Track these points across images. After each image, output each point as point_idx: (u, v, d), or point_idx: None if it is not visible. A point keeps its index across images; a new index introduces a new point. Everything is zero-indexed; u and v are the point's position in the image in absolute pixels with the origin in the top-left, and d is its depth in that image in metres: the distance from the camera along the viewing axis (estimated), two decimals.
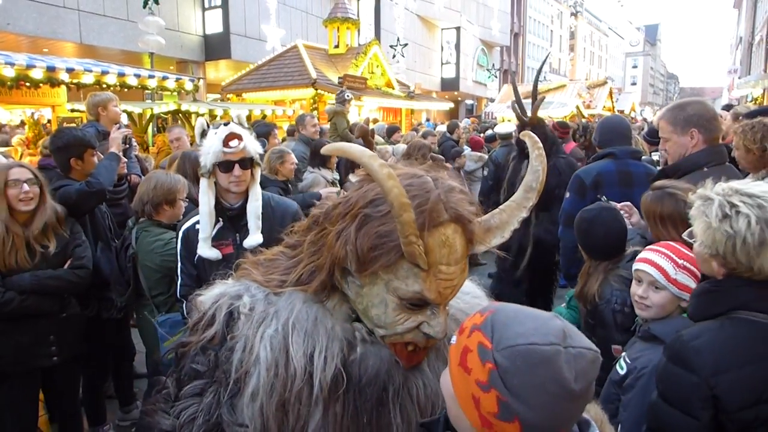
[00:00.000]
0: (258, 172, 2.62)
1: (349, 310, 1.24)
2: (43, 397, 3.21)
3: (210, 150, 2.47)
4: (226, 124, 2.52)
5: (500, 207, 1.27)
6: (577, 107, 21.03)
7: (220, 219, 2.61)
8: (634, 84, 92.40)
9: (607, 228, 2.56)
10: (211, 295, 1.35)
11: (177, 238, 2.69)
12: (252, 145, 2.53)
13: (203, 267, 2.61)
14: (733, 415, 1.55)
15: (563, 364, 0.87)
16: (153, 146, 9.18)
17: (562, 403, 0.88)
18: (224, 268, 2.47)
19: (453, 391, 0.97)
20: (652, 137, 6.32)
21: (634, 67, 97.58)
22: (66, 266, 2.91)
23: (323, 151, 1.19)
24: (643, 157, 4.94)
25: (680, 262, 1.96)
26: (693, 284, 1.92)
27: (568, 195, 3.67)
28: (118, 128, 3.88)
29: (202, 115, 10.36)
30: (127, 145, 4.08)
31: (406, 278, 1.10)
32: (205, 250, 2.54)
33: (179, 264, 2.68)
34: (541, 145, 1.31)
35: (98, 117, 4.41)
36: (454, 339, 1.02)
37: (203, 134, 2.55)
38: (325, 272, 1.18)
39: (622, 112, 27.24)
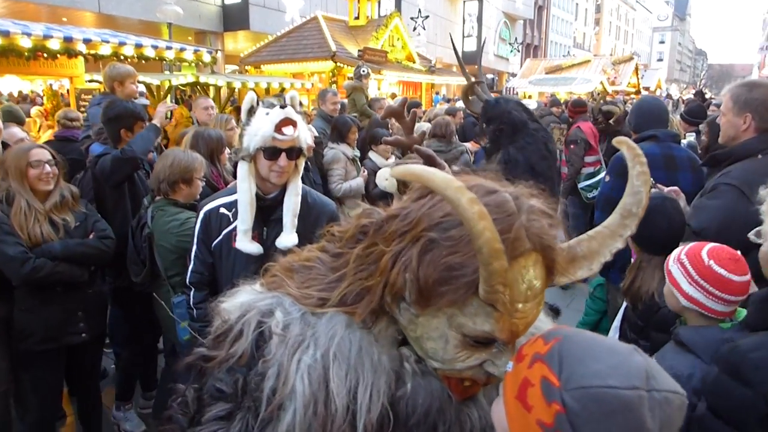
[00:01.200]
0: (302, 164, 2.39)
1: (395, 332, 1.08)
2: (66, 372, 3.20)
3: (258, 132, 2.20)
4: (282, 106, 2.25)
5: (590, 233, 1.07)
6: (602, 83, 20.51)
7: None
8: (660, 60, 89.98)
9: (670, 219, 2.39)
10: (237, 305, 1.18)
11: (197, 218, 2.48)
12: (304, 134, 2.31)
13: (221, 256, 2.43)
14: None
15: (646, 412, 0.74)
16: (170, 119, 9.11)
17: None
18: (244, 262, 2.39)
19: (507, 426, 0.85)
20: (693, 116, 6.09)
21: (662, 42, 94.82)
22: (91, 237, 2.97)
23: (394, 174, 0.93)
24: (684, 141, 4.76)
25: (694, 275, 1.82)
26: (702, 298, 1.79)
27: (608, 178, 3.52)
28: (164, 102, 3.97)
29: (221, 87, 10.28)
30: (169, 121, 4.10)
31: (475, 316, 0.94)
32: (246, 243, 2.31)
33: (194, 246, 2.47)
34: (644, 159, 1.06)
35: (113, 90, 4.34)
36: (510, 366, 0.89)
37: (251, 112, 2.27)
38: (377, 298, 1.01)
39: (647, 89, 26.58)
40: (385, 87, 16.59)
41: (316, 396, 1.02)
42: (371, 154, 5.29)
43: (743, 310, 1.83)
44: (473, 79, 4.21)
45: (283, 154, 2.24)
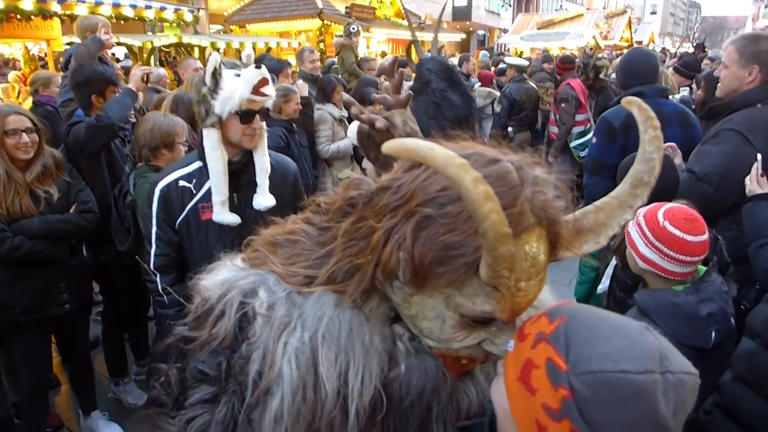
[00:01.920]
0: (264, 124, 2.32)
1: (388, 309, 1.02)
2: (56, 340, 3.24)
3: (234, 95, 2.10)
4: (258, 66, 2.16)
5: (597, 204, 0.98)
6: (594, 38, 20.19)
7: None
8: (653, 13, 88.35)
9: (666, 178, 2.35)
10: (218, 283, 1.11)
11: (151, 197, 2.32)
12: (273, 92, 2.24)
13: (189, 233, 2.31)
14: None
15: (660, 396, 0.70)
16: (147, 83, 8.87)
17: None
18: (218, 234, 2.33)
19: (509, 408, 0.81)
20: (688, 69, 5.97)
21: None
22: (72, 211, 2.89)
23: (385, 150, 0.81)
24: (676, 96, 4.67)
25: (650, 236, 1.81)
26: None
27: (594, 140, 3.47)
28: (139, 65, 3.75)
29: (205, 48, 10.00)
30: (146, 84, 3.92)
31: (474, 296, 0.87)
32: (225, 214, 2.23)
33: (154, 229, 2.32)
34: (657, 123, 0.98)
35: None
36: (511, 345, 0.84)
37: (215, 75, 2.12)
38: (368, 277, 0.94)
39: (640, 43, 26.18)
40: (373, 45, 16.23)
41: (305, 380, 0.97)
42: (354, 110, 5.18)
43: (703, 268, 1.84)
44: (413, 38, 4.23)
45: (257, 116, 2.19)
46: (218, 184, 2.22)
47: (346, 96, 2.01)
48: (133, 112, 3.48)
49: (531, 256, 0.85)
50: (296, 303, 1.02)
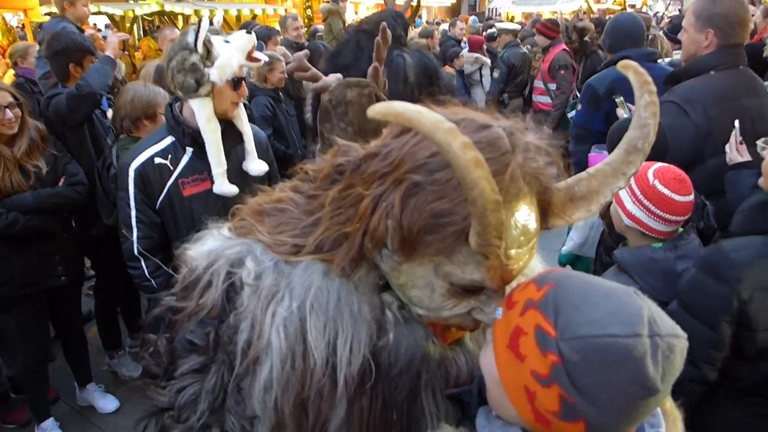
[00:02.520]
0: None
1: (376, 278, 1.00)
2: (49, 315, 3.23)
3: (231, 62, 2.07)
4: (248, 31, 2.13)
5: (590, 171, 0.96)
6: (587, 2, 19.85)
7: (188, 148, 2.23)
8: None
9: (657, 141, 2.38)
10: (204, 252, 1.08)
11: (127, 179, 2.21)
12: (264, 57, 2.21)
13: (172, 212, 2.24)
14: (756, 334, 1.52)
15: (649, 360, 0.70)
16: (138, 51, 8.69)
17: (641, 405, 0.72)
18: (203, 208, 2.25)
19: (498, 376, 0.81)
20: (676, 33, 5.89)
21: None
22: (61, 183, 2.88)
23: (371, 114, 0.78)
24: (666, 59, 4.62)
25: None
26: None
27: (579, 107, 3.45)
28: (116, 32, 3.67)
29: (189, 16, 9.76)
30: (124, 52, 3.80)
31: (464, 264, 0.85)
32: (225, 186, 2.19)
33: (134, 212, 2.21)
34: (654, 88, 0.94)
35: (63, 12, 4.08)
36: (499, 312, 0.84)
37: (206, 42, 2.07)
38: (356, 246, 0.91)
39: (633, 6, 25.81)
40: (362, 11, 15.90)
41: (294, 350, 0.97)
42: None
43: (680, 230, 1.88)
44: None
45: (243, 82, 2.16)
46: (217, 155, 2.18)
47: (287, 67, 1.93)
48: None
49: (522, 224, 0.84)
50: (284, 272, 1.00)
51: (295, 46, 5.47)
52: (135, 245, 2.22)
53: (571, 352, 0.71)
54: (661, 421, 0.84)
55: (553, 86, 6.13)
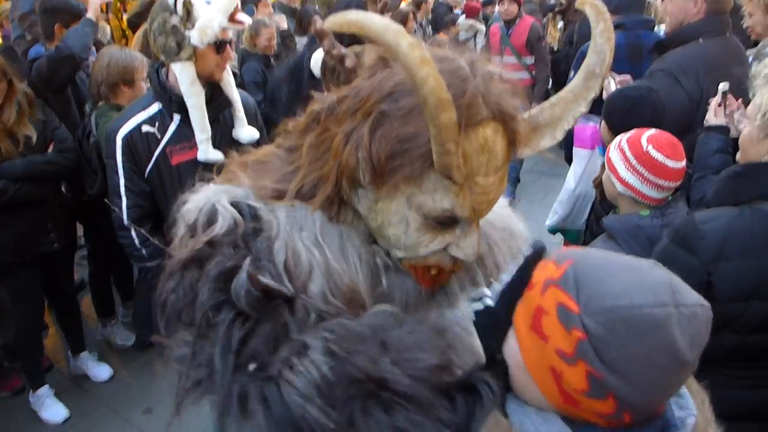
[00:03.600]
0: None
1: (364, 227, 1.00)
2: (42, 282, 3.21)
3: (213, 24, 2.00)
4: None
5: (551, 100, 1.00)
6: None
7: (176, 115, 2.17)
8: None
9: (654, 110, 2.31)
10: (199, 200, 1.03)
11: (114, 147, 2.15)
12: (249, 19, 2.15)
13: (161, 180, 2.19)
14: (722, 305, 1.52)
15: (675, 329, 0.68)
16: (108, 13, 8.39)
17: (670, 376, 0.72)
18: (192, 176, 2.29)
19: (521, 359, 0.79)
20: None
21: None
22: (50, 150, 2.83)
23: (327, 26, 0.83)
24: (661, 26, 4.55)
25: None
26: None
27: (572, 74, 3.41)
28: None
29: None
30: (106, 14, 3.70)
31: (434, 192, 0.88)
32: (211, 152, 2.14)
33: (122, 181, 2.16)
34: (608, 16, 0.99)
35: None
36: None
37: (186, 3, 2.00)
38: (331, 184, 0.93)
39: None
40: None
41: (330, 268, 0.94)
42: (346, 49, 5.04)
43: (669, 198, 1.89)
44: None
45: (227, 45, 2.10)
46: (202, 120, 2.13)
47: (320, 24, 1.89)
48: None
49: (487, 148, 0.86)
50: (276, 212, 0.98)
51: (288, 10, 5.36)
52: (125, 214, 2.19)
53: (596, 326, 0.69)
54: (690, 402, 0.83)
55: (529, 60, 5.69)
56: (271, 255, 0.92)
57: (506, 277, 0.84)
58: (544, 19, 6.85)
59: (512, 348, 0.81)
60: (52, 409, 3.10)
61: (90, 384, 3.37)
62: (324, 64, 1.91)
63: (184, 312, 0.93)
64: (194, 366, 0.90)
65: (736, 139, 2.16)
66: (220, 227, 0.94)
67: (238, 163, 1.10)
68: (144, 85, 2.94)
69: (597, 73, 0.97)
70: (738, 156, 1.69)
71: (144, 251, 2.23)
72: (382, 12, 2.03)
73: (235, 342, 0.85)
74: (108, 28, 4.77)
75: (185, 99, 2.11)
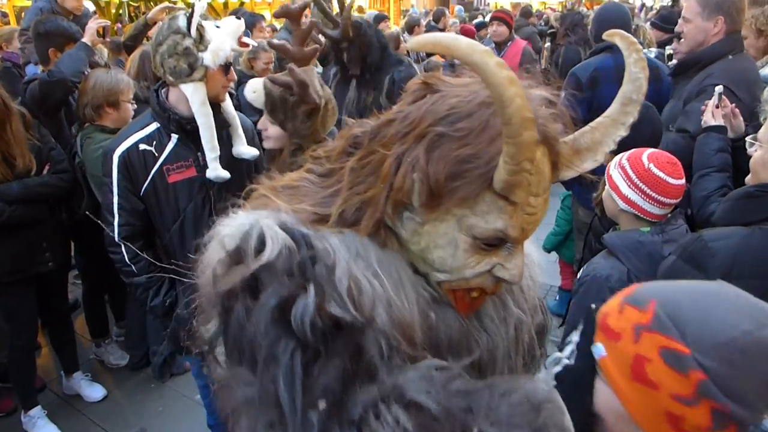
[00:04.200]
0: None
1: (408, 255, 0.98)
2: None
3: (225, 46, 2.10)
4: (238, 17, 2.19)
5: (591, 124, 1.03)
6: None
7: (174, 135, 2.22)
8: None
9: (654, 126, 2.41)
10: (240, 225, 0.93)
11: (111, 165, 2.19)
12: (254, 42, 2.27)
13: (157, 198, 2.23)
14: None
15: None
16: (105, 37, 8.53)
17: None
18: (188, 195, 2.29)
19: (626, 411, 0.78)
20: (665, 23, 5.92)
21: None
22: (45, 171, 2.85)
23: (410, 46, 0.84)
24: (651, 49, 4.65)
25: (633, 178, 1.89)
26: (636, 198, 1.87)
27: (563, 94, 3.48)
28: (95, 18, 3.62)
29: (177, 4, 9.61)
30: (104, 39, 3.77)
31: (487, 213, 0.88)
32: (220, 171, 2.21)
33: (116, 199, 2.20)
34: (639, 47, 1.05)
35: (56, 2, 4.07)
36: (601, 349, 0.81)
37: (199, 26, 2.09)
38: (380, 208, 0.91)
39: None
40: None
41: (390, 300, 0.89)
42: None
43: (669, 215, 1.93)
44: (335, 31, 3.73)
45: (231, 67, 2.18)
46: (212, 140, 2.19)
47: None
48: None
49: (539, 170, 0.87)
50: (326, 238, 0.91)
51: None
52: (116, 231, 2.23)
53: (714, 363, 0.69)
54: None
55: None
56: (333, 283, 0.85)
57: (575, 336, 0.85)
58: (547, 43, 6.93)
59: (607, 403, 0.80)
60: (44, 429, 3.07)
61: (83, 404, 3.35)
62: (270, 96, 1.96)
63: (238, 346, 0.85)
64: (263, 409, 0.81)
65: (733, 139, 2.22)
66: (271, 253, 0.86)
67: (268, 188, 1.05)
68: (130, 107, 2.99)
69: (634, 99, 1.01)
70: (748, 178, 1.73)
71: (134, 267, 2.26)
72: (307, 32, 2.08)
73: (302, 378, 0.78)
74: (105, 51, 4.84)
75: (197, 118, 2.17)
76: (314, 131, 2.03)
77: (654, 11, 10.41)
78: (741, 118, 2.27)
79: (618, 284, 1.71)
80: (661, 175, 1.82)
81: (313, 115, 2.00)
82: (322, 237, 0.91)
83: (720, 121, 2.20)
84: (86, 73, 3.10)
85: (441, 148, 0.85)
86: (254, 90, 2.03)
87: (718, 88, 2.23)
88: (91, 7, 9.46)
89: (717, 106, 2.22)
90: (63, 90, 3.13)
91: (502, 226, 0.89)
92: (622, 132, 1.01)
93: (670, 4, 12.40)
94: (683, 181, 1.86)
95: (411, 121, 0.89)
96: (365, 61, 3.61)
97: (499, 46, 5.55)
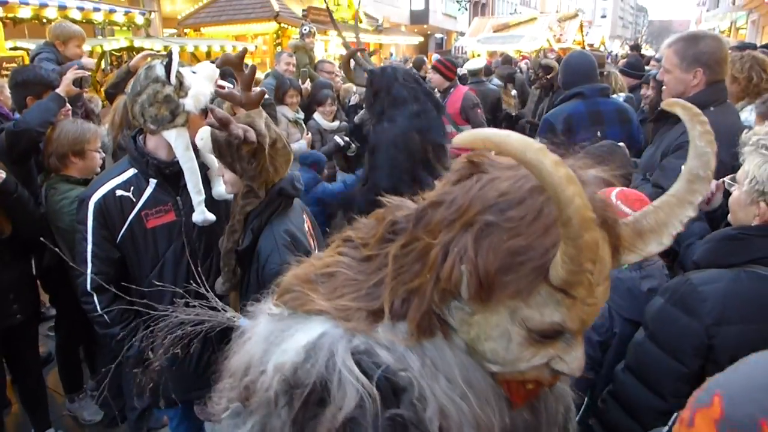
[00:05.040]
0: None
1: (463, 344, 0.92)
2: (5, 358, 3.10)
3: (205, 91, 2.13)
4: (212, 61, 2.21)
5: (655, 204, 0.96)
6: (548, 41, 20.70)
7: (152, 180, 2.21)
8: (603, 17, 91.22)
9: (622, 165, 2.48)
10: (299, 351, 0.89)
11: (84, 212, 2.16)
12: (231, 85, 2.26)
13: (134, 244, 2.20)
14: (721, 368, 1.52)
15: None
16: (82, 88, 8.59)
17: None
18: (167, 239, 2.29)
19: None
20: (634, 69, 6.19)
21: None
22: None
23: (457, 143, 0.79)
24: (622, 95, 4.83)
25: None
26: None
27: (538, 140, 3.58)
28: (78, 68, 3.57)
29: (159, 52, 9.76)
30: (81, 90, 3.78)
31: (543, 306, 0.81)
32: (207, 214, 2.21)
33: (90, 246, 2.15)
34: (704, 119, 0.97)
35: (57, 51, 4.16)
36: None
37: (178, 73, 2.12)
38: (427, 299, 0.86)
39: (591, 45, 27.03)
40: (332, 48, 16.19)
41: (477, 418, 0.88)
42: (315, 116, 5.25)
43: None
44: (353, 48, 4.02)
45: (209, 111, 2.17)
46: (197, 184, 2.20)
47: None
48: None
49: (599, 258, 0.81)
50: (396, 350, 0.88)
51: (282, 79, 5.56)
52: (88, 281, 2.18)
53: None
54: None
55: (465, 128, 5.70)
56: (422, 423, 0.83)
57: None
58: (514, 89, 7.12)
59: None
60: None
61: None
62: (222, 141, 1.96)
63: None
64: None
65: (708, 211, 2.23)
66: (355, 404, 0.82)
67: (301, 280, 0.98)
68: (97, 156, 2.98)
69: (701, 175, 0.94)
70: (729, 217, 1.74)
71: (107, 317, 2.20)
72: (250, 77, 2.10)
73: None
74: (99, 99, 4.89)
75: (182, 164, 2.17)
76: (263, 172, 2.01)
77: (622, 59, 10.88)
78: (720, 193, 2.21)
79: (598, 321, 1.71)
80: (629, 211, 1.81)
81: (257, 155, 1.97)
82: (401, 358, 0.86)
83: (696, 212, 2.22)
84: (54, 123, 3.07)
85: (491, 237, 0.80)
86: (202, 137, 2.02)
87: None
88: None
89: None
90: (28, 140, 3.07)
91: (559, 319, 0.83)
92: (690, 212, 0.94)
93: (630, 50, 12.99)
94: None
95: (458, 207, 0.84)
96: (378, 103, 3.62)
97: (443, 93, 5.70)
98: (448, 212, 0.85)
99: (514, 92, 6.84)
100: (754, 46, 7.70)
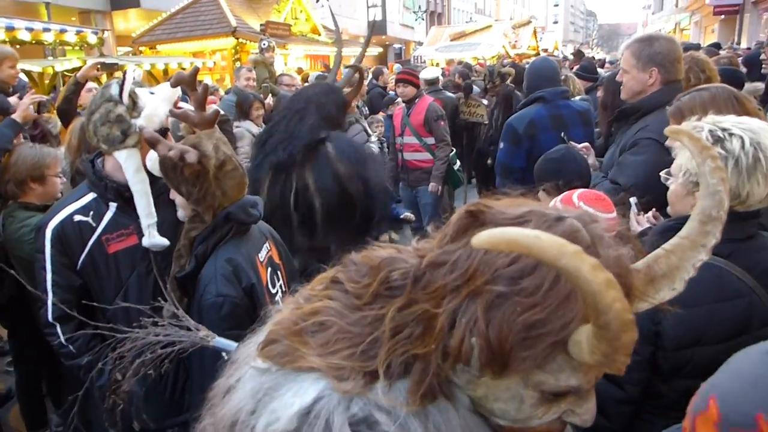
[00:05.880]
0: None
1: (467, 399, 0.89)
2: None
3: (159, 112, 2.06)
4: (173, 84, 2.14)
5: (666, 247, 0.90)
6: (504, 47, 21.15)
7: (112, 203, 2.15)
8: (555, 23, 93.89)
9: (578, 163, 2.54)
10: (299, 416, 0.83)
11: (41, 240, 2.09)
12: (190, 106, 2.16)
13: (96, 270, 2.13)
14: (669, 353, 1.58)
15: None
16: (40, 112, 8.34)
17: None
18: (130, 264, 2.21)
19: None
20: (587, 72, 6.37)
21: (556, 5, 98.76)
22: None
23: (479, 244, 0.70)
24: (578, 97, 4.97)
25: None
26: None
27: (502, 145, 3.64)
28: (31, 93, 3.48)
29: (108, 62, 9.53)
30: (38, 114, 3.66)
31: (559, 372, 0.79)
32: (156, 238, 2.11)
33: (49, 275, 2.08)
34: (715, 153, 0.90)
35: None
36: None
37: (131, 93, 2.06)
38: (433, 368, 0.81)
39: (546, 50, 27.74)
40: (291, 62, 16.15)
41: None
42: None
43: None
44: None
45: (168, 133, 2.12)
46: (147, 206, 2.10)
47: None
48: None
49: None
50: (398, 415, 0.83)
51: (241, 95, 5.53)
52: (49, 311, 2.10)
53: None
54: None
55: (429, 140, 5.62)
56: None
57: None
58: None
59: None
60: None
61: None
62: (163, 163, 1.89)
63: None
64: None
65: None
66: None
67: (290, 333, 0.91)
68: (57, 182, 2.88)
69: (714, 216, 0.88)
70: (669, 209, 1.81)
71: (71, 347, 2.12)
72: (203, 96, 2.04)
73: None
74: (57, 121, 4.72)
75: (131, 185, 2.09)
76: (207, 196, 1.89)
77: (574, 61, 11.18)
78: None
79: None
80: (591, 210, 1.87)
81: (201, 177, 1.86)
82: (403, 425, 0.81)
83: (645, 225, 2.24)
84: (10, 149, 2.96)
85: (503, 309, 0.75)
86: (152, 159, 1.96)
87: (633, 200, 2.27)
88: (25, 78, 9.24)
89: (637, 214, 2.25)
90: None
91: (575, 383, 0.80)
92: (704, 256, 0.88)
93: (573, 56, 13.36)
94: (614, 214, 1.92)
95: (462, 272, 0.79)
96: None
97: (408, 104, 5.71)
98: (452, 277, 0.80)
99: (485, 101, 6.77)
100: (698, 47, 8.03)
